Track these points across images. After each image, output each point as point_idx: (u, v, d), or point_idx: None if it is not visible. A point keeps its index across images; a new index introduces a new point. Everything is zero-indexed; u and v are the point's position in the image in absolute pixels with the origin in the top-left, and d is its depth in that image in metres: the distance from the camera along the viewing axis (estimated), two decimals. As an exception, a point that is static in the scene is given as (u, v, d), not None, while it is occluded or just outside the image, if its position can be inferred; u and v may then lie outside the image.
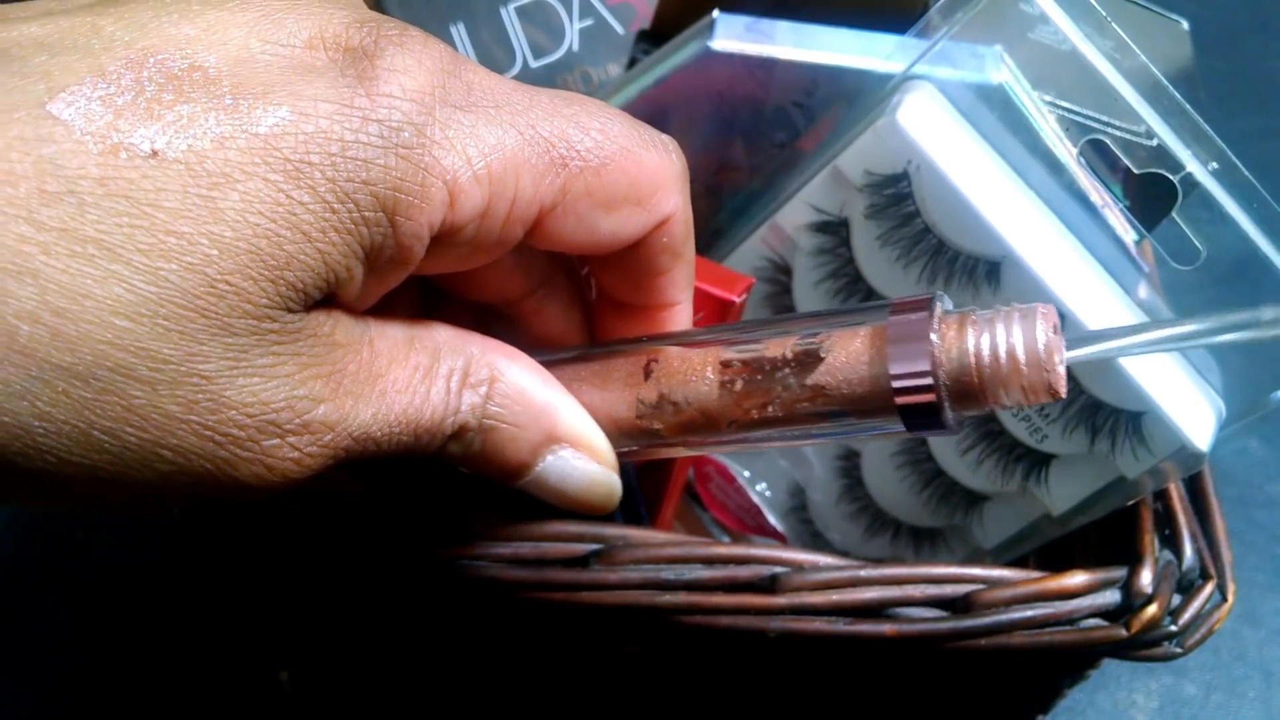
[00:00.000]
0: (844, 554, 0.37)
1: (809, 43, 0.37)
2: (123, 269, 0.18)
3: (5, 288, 0.17)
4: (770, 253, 0.38)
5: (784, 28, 0.37)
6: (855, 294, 0.38)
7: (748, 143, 0.39)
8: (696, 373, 0.25)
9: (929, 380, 0.23)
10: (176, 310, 0.19)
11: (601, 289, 0.28)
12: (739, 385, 0.25)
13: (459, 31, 0.45)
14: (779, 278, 0.38)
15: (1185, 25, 0.43)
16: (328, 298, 0.21)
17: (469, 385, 0.24)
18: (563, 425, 0.25)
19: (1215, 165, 0.36)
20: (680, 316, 0.28)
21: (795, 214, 0.37)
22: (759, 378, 0.24)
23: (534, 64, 0.46)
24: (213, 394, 0.20)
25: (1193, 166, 0.36)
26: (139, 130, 0.19)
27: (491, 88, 0.23)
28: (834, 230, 0.37)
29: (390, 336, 0.23)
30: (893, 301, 0.24)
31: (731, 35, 0.37)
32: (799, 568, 0.31)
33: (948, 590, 0.31)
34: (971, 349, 0.23)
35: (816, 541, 0.44)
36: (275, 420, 0.20)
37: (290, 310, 0.20)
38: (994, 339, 0.23)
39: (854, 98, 0.37)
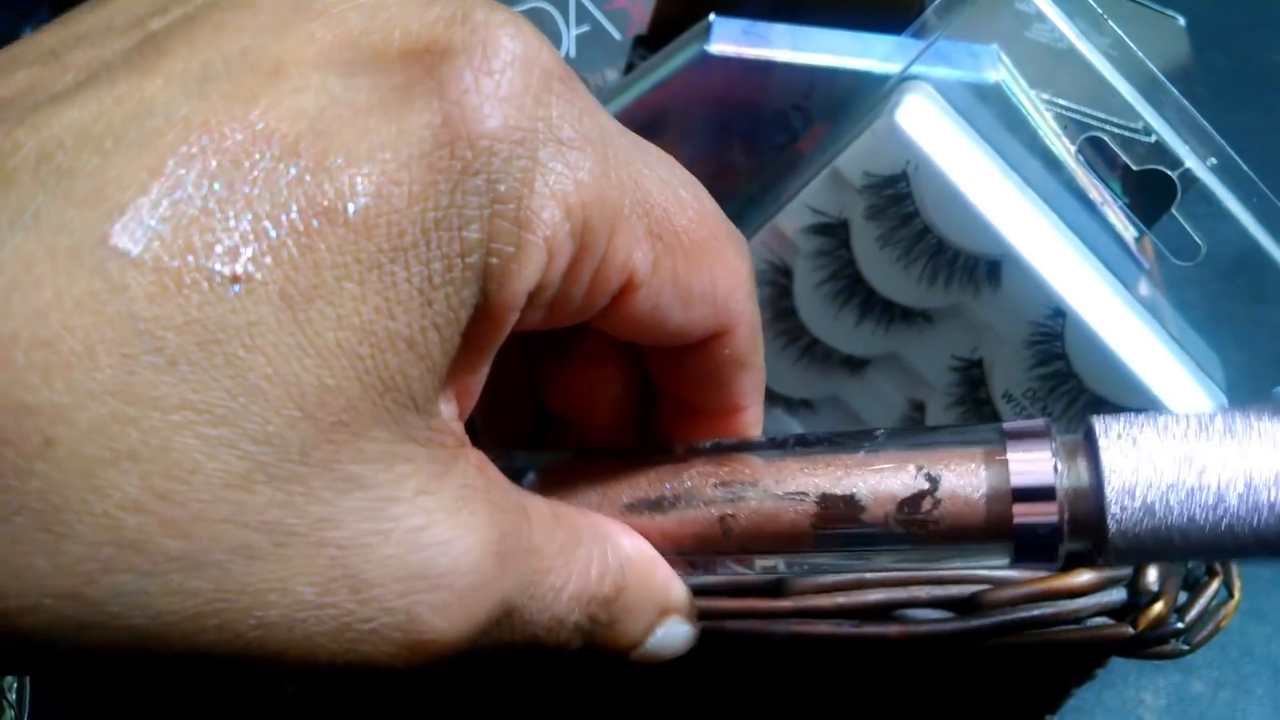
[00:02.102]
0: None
1: (806, 45, 0.37)
2: (228, 432, 0.16)
3: (106, 478, 0.15)
4: (770, 255, 0.38)
5: (781, 31, 0.37)
6: (856, 295, 0.38)
7: (746, 146, 0.39)
8: (784, 535, 0.23)
9: (1053, 527, 0.21)
10: (295, 469, 0.16)
11: (662, 390, 0.25)
12: (833, 543, 0.23)
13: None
14: (779, 280, 0.38)
15: (1182, 21, 0.43)
16: (460, 429, 0.19)
17: (608, 570, 0.21)
18: (674, 598, 0.23)
19: (1214, 161, 0.36)
20: (749, 420, 0.25)
21: (795, 216, 0.37)
22: (854, 536, 0.22)
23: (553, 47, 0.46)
24: (353, 568, 0.17)
25: (1191, 162, 0.36)
26: (218, 247, 0.16)
27: (599, 118, 0.19)
28: (834, 232, 0.37)
29: (538, 507, 0.20)
30: (1005, 429, 0.22)
31: (728, 39, 0.37)
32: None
33: (954, 591, 0.31)
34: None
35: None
36: (429, 601, 0.17)
37: (415, 441, 0.17)
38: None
39: (852, 99, 0.37)
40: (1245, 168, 0.35)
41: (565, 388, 0.25)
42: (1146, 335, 0.36)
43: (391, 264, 0.17)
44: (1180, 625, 0.32)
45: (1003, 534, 0.21)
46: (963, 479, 0.22)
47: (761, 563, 0.24)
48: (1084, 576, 0.31)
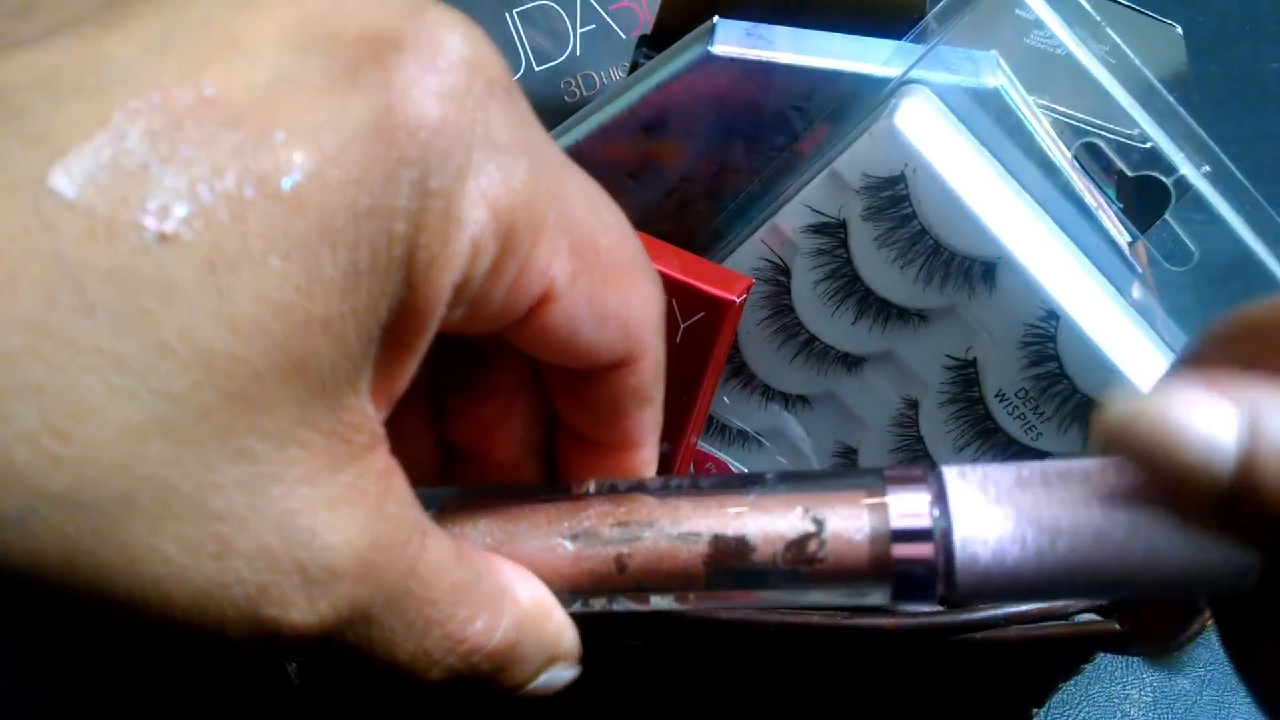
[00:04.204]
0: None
1: (807, 48, 0.37)
2: (133, 383, 0.16)
3: (6, 406, 0.15)
4: (769, 254, 0.39)
5: (783, 33, 0.38)
6: (853, 294, 0.38)
7: (747, 146, 0.39)
8: (678, 573, 0.23)
9: (929, 567, 0.22)
10: (190, 431, 0.16)
11: (563, 421, 0.25)
12: (724, 582, 0.23)
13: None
14: (778, 278, 0.39)
15: (1179, 29, 0.43)
16: (377, 428, 0.19)
17: (499, 626, 0.21)
18: (563, 648, 0.23)
19: (1208, 168, 0.36)
20: (644, 459, 0.26)
21: (794, 216, 0.38)
22: (744, 575, 0.23)
23: (537, 68, 0.47)
24: (221, 536, 0.17)
25: (1186, 169, 0.36)
26: (152, 202, 0.16)
27: (535, 131, 0.20)
28: (832, 232, 0.37)
29: (442, 541, 0.20)
30: (886, 473, 0.23)
31: (731, 40, 0.37)
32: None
33: (944, 585, 0.31)
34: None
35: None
36: (280, 584, 0.17)
37: (316, 428, 0.17)
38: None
39: (852, 102, 0.37)
40: (1239, 175, 0.36)
41: (470, 419, 0.25)
42: (1138, 338, 0.37)
43: (319, 245, 0.17)
44: (1165, 622, 0.32)
45: (884, 573, 0.22)
46: (846, 521, 0.22)
47: (656, 600, 0.24)
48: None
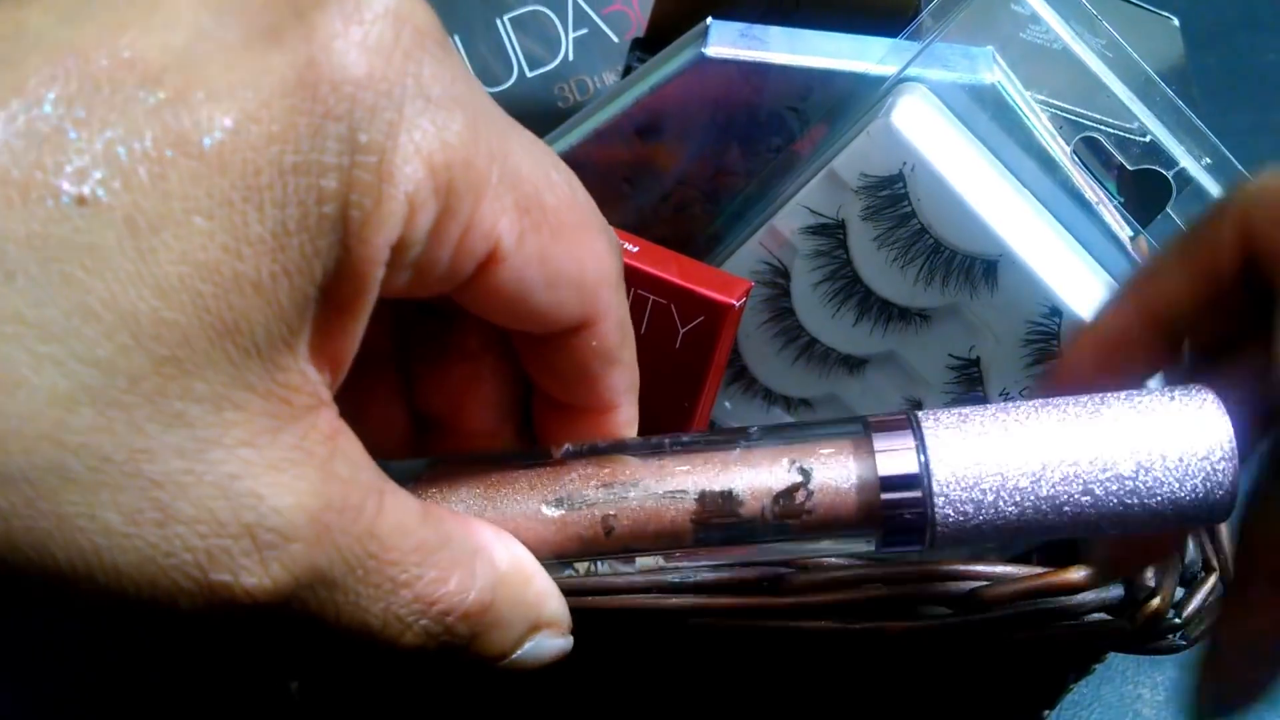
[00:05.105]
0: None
1: (803, 48, 0.37)
2: (58, 350, 0.15)
3: None
4: (768, 256, 0.38)
5: (777, 33, 0.38)
6: (854, 295, 0.38)
7: (744, 147, 0.39)
8: (665, 532, 0.23)
9: (920, 512, 0.22)
10: (120, 397, 0.16)
11: (537, 386, 0.25)
12: (712, 538, 0.23)
13: (455, 44, 0.45)
14: (777, 281, 0.39)
15: (1176, 22, 0.43)
16: (321, 392, 0.18)
17: (472, 584, 0.21)
18: (546, 614, 0.23)
19: (1208, 161, 0.36)
20: (622, 419, 0.25)
21: (792, 217, 0.37)
22: (732, 530, 0.23)
23: (530, 74, 0.46)
24: (161, 503, 0.16)
25: (1186, 162, 0.36)
26: (68, 166, 0.16)
27: (472, 85, 0.19)
28: (831, 232, 0.37)
29: (404, 501, 0.20)
30: (869, 420, 0.23)
31: (726, 42, 0.37)
32: (803, 568, 0.31)
33: (953, 587, 0.31)
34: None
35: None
36: (229, 549, 0.17)
37: (252, 390, 0.17)
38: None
39: (848, 101, 0.37)
40: (1240, 167, 0.36)
41: (439, 386, 0.25)
42: (1142, 333, 0.37)
43: (244, 203, 0.16)
44: (1178, 620, 0.32)
45: (873, 521, 0.22)
46: (833, 470, 0.22)
47: (641, 561, 0.24)
48: (1082, 573, 0.31)
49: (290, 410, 0.18)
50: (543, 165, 0.21)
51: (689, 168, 0.40)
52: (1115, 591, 0.32)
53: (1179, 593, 0.32)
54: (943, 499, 0.22)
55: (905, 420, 0.23)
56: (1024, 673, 0.37)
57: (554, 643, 0.23)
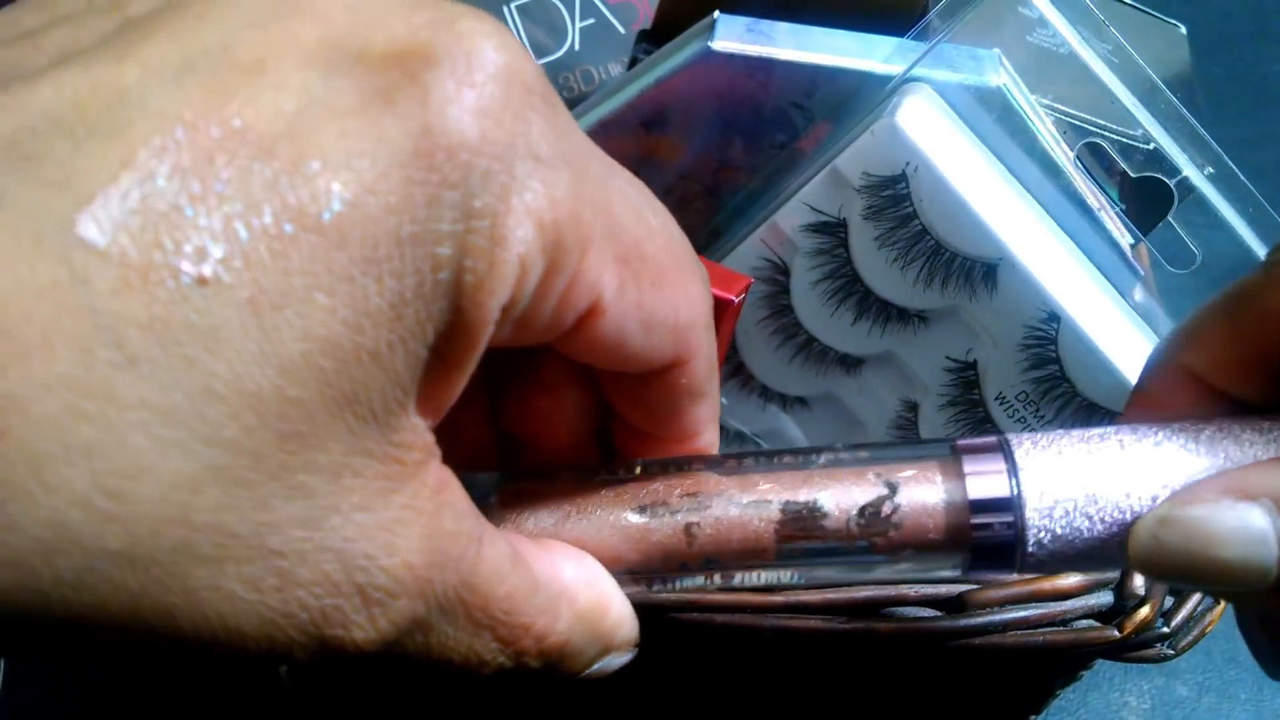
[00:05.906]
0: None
1: (809, 44, 0.37)
2: (182, 435, 0.15)
3: (56, 473, 0.15)
4: (769, 253, 0.38)
5: (784, 29, 0.37)
6: (853, 294, 0.38)
7: (747, 143, 0.39)
8: (749, 543, 0.23)
9: (1012, 535, 0.22)
10: (245, 475, 0.16)
11: (617, 413, 0.25)
12: (795, 553, 0.23)
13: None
14: (777, 278, 0.38)
15: (1183, 29, 0.43)
16: (430, 444, 0.19)
17: (553, 631, 0.21)
18: (618, 640, 0.23)
19: (1211, 170, 0.36)
20: (703, 445, 0.26)
21: (794, 214, 0.37)
22: (816, 544, 0.23)
23: (536, 63, 0.46)
24: (282, 570, 0.17)
25: (1189, 171, 0.36)
26: (187, 245, 0.15)
27: (576, 138, 0.19)
28: (832, 231, 0.37)
29: (497, 545, 0.20)
30: (956, 443, 0.23)
31: (732, 36, 0.37)
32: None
33: (942, 590, 0.31)
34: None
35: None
36: (342, 607, 0.18)
37: (370, 455, 0.17)
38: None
39: (853, 99, 0.37)
40: (1242, 177, 0.36)
41: (524, 411, 0.25)
42: (1140, 341, 0.37)
43: (364, 276, 0.16)
44: (1166, 629, 0.32)
45: (960, 543, 0.22)
46: (921, 489, 0.22)
47: (719, 580, 0.24)
48: (1072, 579, 0.31)
49: (403, 470, 0.18)
50: (642, 213, 0.21)
51: (692, 162, 0.40)
52: (1104, 599, 0.32)
53: (1168, 601, 0.32)
54: (1034, 523, 0.22)
55: (996, 444, 0.22)
56: (1011, 679, 0.37)
57: (621, 659, 0.24)
